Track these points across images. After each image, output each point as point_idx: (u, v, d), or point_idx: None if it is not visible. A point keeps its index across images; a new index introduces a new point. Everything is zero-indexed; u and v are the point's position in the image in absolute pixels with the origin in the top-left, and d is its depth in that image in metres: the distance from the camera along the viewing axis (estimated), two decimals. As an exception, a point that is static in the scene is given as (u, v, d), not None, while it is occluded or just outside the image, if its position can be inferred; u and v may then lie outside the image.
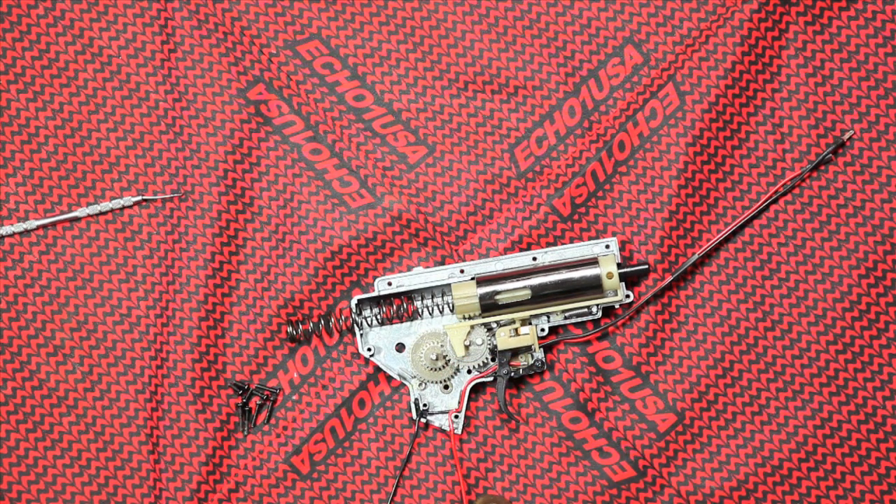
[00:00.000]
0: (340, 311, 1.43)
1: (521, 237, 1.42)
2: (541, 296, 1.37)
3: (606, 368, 1.42)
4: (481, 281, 1.37)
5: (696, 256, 1.40)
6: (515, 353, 1.40)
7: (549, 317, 1.40)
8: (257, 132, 1.44)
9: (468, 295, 1.37)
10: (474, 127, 1.45)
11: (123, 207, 1.44)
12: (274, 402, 1.43)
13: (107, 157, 1.45)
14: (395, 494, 1.42)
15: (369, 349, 1.40)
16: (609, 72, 1.44)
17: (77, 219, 1.44)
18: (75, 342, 1.43)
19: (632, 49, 1.44)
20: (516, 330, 1.38)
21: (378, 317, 1.40)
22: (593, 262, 1.37)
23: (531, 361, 1.39)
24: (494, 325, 1.39)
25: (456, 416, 1.40)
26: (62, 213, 1.44)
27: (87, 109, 1.45)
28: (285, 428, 1.42)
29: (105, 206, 1.43)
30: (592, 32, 1.44)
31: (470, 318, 1.39)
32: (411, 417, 1.42)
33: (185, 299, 1.43)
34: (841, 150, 1.42)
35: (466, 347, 1.39)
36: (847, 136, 1.42)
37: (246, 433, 1.42)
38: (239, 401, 1.42)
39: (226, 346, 1.43)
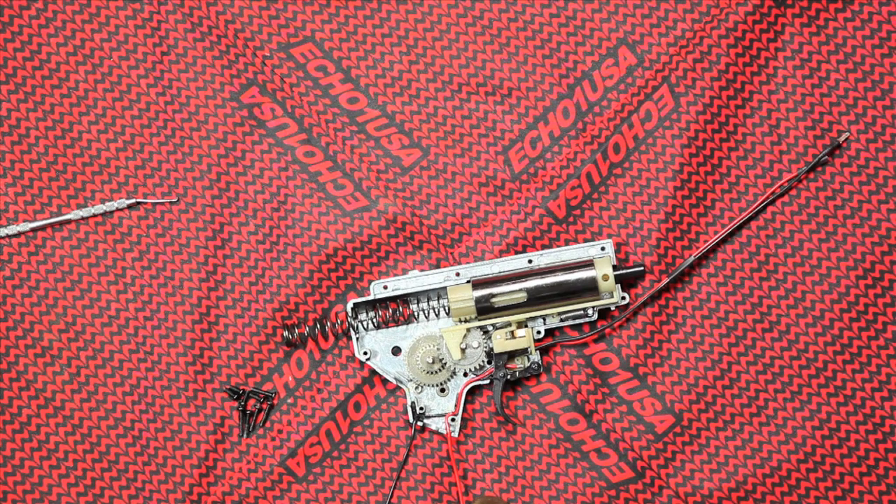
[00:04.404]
0: (336, 314, 1.42)
1: (515, 239, 1.41)
2: (536, 298, 1.36)
3: (603, 370, 1.41)
4: (477, 284, 1.37)
5: (692, 258, 1.40)
6: (512, 355, 1.39)
7: (545, 319, 1.39)
8: (250, 135, 1.44)
9: (464, 298, 1.36)
10: (468, 129, 1.44)
11: (115, 210, 1.43)
12: (270, 405, 1.42)
13: (97, 159, 1.44)
14: (391, 496, 1.41)
15: (365, 353, 1.39)
16: (603, 73, 1.44)
17: (68, 221, 1.43)
18: (63, 344, 1.42)
19: (626, 50, 1.44)
20: (512, 333, 1.37)
21: (374, 320, 1.39)
22: (589, 264, 1.37)
23: (528, 364, 1.39)
24: (490, 328, 1.38)
25: (453, 420, 1.39)
26: (53, 215, 1.43)
27: (79, 111, 1.44)
28: (280, 431, 1.41)
29: (97, 208, 1.42)
30: (586, 33, 1.44)
31: (466, 321, 1.38)
32: (407, 420, 1.41)
33: (178, 302, 1.42)
34: (837, 152, 1.42)
35: (463, 350, 1.38)
36: (843, 137, 1.42)
37: (246, 436, 1.41)
38: (235, 404, 1.41)
39: (221, 349, 1.42)
